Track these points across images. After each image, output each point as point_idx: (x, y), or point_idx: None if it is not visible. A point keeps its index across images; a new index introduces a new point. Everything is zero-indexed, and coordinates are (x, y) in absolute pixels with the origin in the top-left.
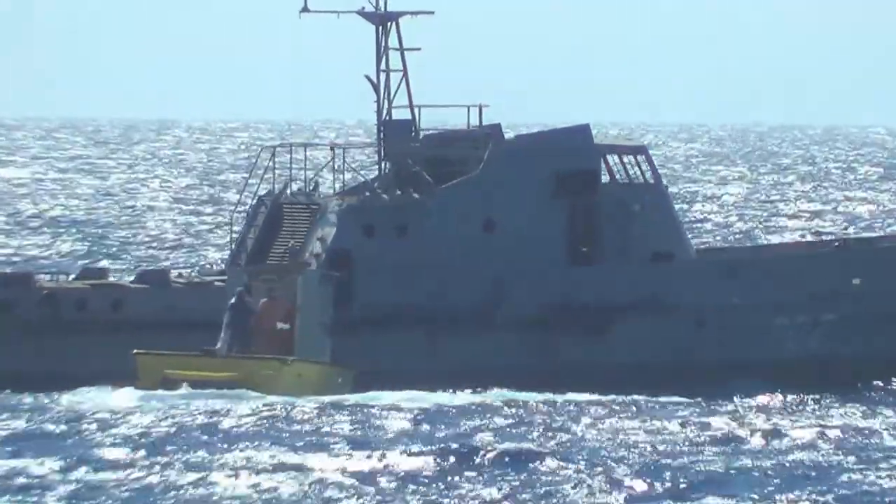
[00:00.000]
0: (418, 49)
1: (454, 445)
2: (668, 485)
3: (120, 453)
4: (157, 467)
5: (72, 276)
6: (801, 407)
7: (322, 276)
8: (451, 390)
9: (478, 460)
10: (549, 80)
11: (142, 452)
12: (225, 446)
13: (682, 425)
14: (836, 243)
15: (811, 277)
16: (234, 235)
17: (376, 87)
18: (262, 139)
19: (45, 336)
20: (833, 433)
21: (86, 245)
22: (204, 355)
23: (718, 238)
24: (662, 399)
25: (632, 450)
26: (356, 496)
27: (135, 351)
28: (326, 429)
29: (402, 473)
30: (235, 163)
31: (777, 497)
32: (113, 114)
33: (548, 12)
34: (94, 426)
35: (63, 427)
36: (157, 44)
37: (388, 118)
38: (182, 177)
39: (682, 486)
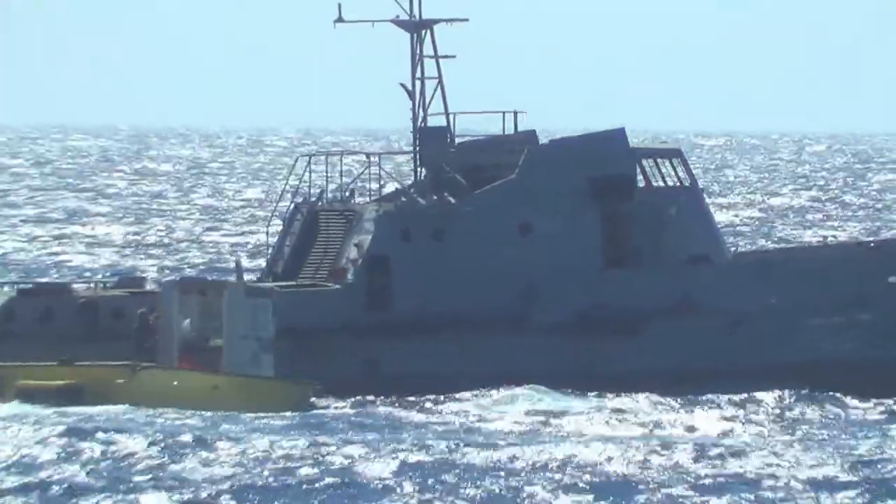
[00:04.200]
0: (453, 56)
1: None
2: (701, 488)
3: None
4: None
5: (109, 285)
6: (834, 410)
7: (251, 290)
8: (484, 393)
9: (511, 464)
10: (584, 85)
11: None
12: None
13: (715, 428)
14: (871, 243)
15: (847, 278)
16: (272, 243)
17: (412, 95)
18: (298, 147)
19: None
20: (864, 437)
21: (124, 253)
22: (60, 365)
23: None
24: (697, 401)
25: (664, 455)
26: None
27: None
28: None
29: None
30: (273, 171)
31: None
32: (153, 123)
33: (582, 18)
34: None
35: None
36: (188, 54)
37: (423, 125)
38: (222, 184)
39: (713, 491)
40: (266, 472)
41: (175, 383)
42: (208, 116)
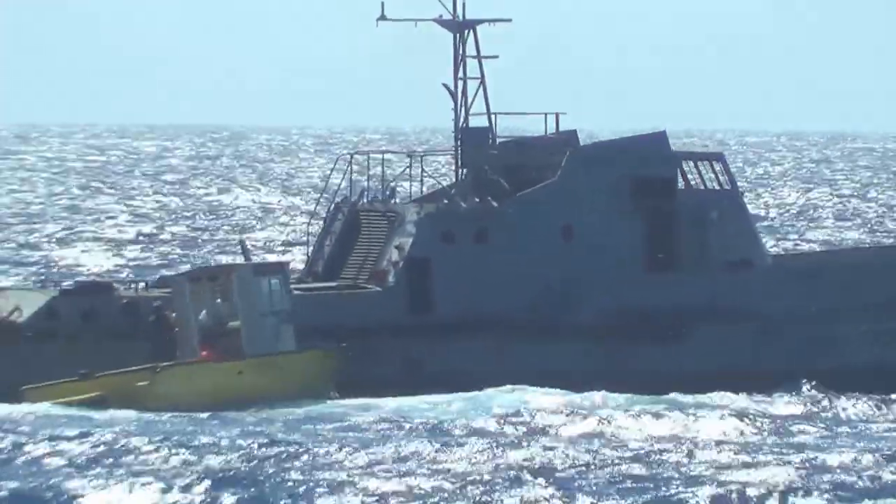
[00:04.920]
0: (496, 57)
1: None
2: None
3: None
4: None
5: (150, 285)
6: (870, 414)
7: (260, 268)
8: (519, 393)
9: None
10: (626, 86)
11: None
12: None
13: (757, 429)
14: None
15: (885, 284)
16: (312, 242)
17: (454, 95)
18: (338, 146)
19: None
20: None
21: (163, 253)
22: (81, 379)
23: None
24: (735, 404)
25: (696, 454)
26: None
27: (23, 387)
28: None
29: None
30: (313, 170)
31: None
32: (185, 122)
33: (625, 19)
34: None
35: None
36: (226, 52)
37: (465, 125)
38: (260, 184)
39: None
40: (273, 471)
41: (198, 377)
42: (236, 115)
